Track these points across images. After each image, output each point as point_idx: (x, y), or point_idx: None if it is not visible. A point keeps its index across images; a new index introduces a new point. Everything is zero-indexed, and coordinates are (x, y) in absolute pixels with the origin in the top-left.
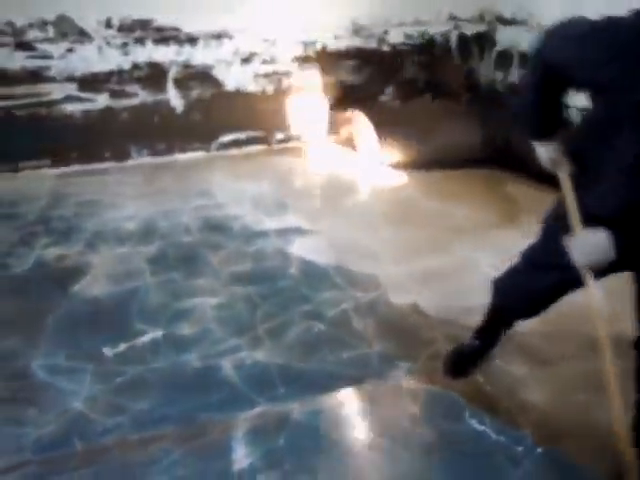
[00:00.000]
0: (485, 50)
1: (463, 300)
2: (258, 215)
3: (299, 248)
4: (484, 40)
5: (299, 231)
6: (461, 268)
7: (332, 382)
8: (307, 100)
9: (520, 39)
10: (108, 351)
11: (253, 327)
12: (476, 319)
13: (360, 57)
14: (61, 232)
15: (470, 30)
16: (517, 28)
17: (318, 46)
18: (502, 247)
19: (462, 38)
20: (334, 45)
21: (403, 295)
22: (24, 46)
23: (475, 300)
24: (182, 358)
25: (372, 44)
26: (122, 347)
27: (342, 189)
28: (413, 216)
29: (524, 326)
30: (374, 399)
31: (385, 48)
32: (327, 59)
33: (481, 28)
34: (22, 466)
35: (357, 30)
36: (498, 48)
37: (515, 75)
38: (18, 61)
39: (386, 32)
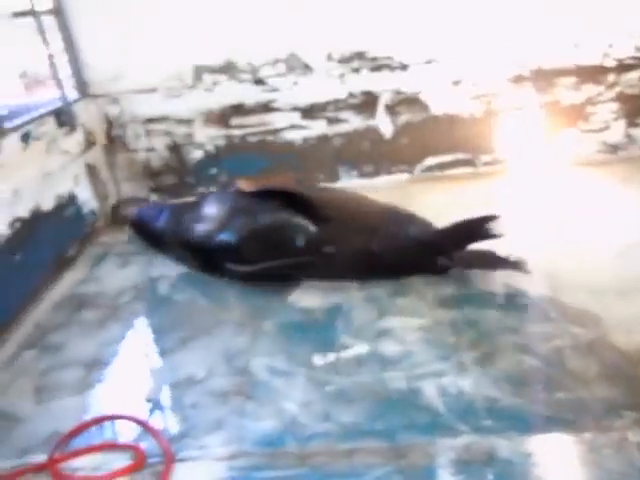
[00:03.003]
0: None
1: None
2: None
3: (507, 275)
4: None
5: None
6: None
7: (544, 423)
8: (519, 121)
9: None
10: (318, 360)
11: (458, 354)
12: None
13: (580, 74)
14: None
15: None
16: None
17: (532, 65)
18: None
19: None
20: (550, 63)
21: (630, 336)
22: (259, 82)
23: None
24: (386, 375)
25: (594, 60)
26: (330, 358)
27: (556, 213)
28: None
29: None
30: (594, 449)
31: (608, 64)
32: (542, 77)
33: None
34: (244, 455)
35: (576, 45)
36: None
37: None
38: (253, 95)
39: (610, 46)
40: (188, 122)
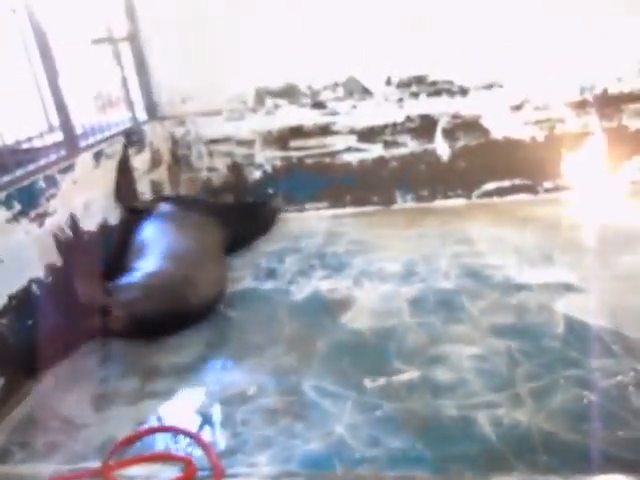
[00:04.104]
0: None
1: None
2: (521, 267)
3: (567, 306)
4: None
5: (568, 288)
6: None
7: (605, 463)
8: (582, 147)
9: None
10: (368, 383)
11: (513, 385)
12: None
13: None
14: (333, 267)
15: None
16: None
17: (597, 90)
18: None
19: None
20: (616, 88)
21: None
22: (318, 105)
23: None
24: (437, 403)
25: None
26: (381, 381)
27: (621, 244)
28: None
29: None
30: None
31: None
32: (607, 103)
33: None
34: (290, 476)
35: None
36: None
37: None
38: (312, 118)
39: None
40: (249, 143)
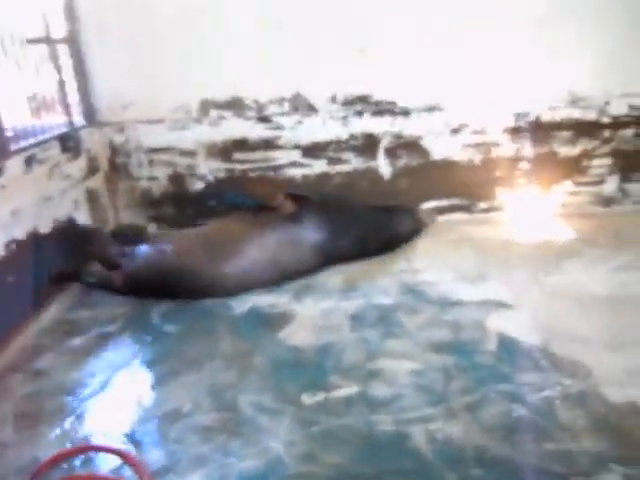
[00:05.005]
0: None
1: None
2: (456, 284)
3: (499, 323)
4: None
5: (500, 305)
6: None
7: (533, 474)
8: (513, 170)
9: None
10: (306, 399)
11: (447, 399)
12: None
13: (576, 129)
14: None
15: None
16: None
17: (531, 117)
18: None
19: None
20: (548, 116)
21: (619, 389)
22: (263, 119)
23: None
24: (374, 418)
25: (591, 115)
26: (319, 397)
27: (551, 264)
28: (636, 298)
29: None
30: None
31: (605, 120)
32: (539, 130)
33: None
34: None
35: (575, 101)
36: None
37: None
38: (257, 132)
39: (607, 103)
40: (191, 154)
